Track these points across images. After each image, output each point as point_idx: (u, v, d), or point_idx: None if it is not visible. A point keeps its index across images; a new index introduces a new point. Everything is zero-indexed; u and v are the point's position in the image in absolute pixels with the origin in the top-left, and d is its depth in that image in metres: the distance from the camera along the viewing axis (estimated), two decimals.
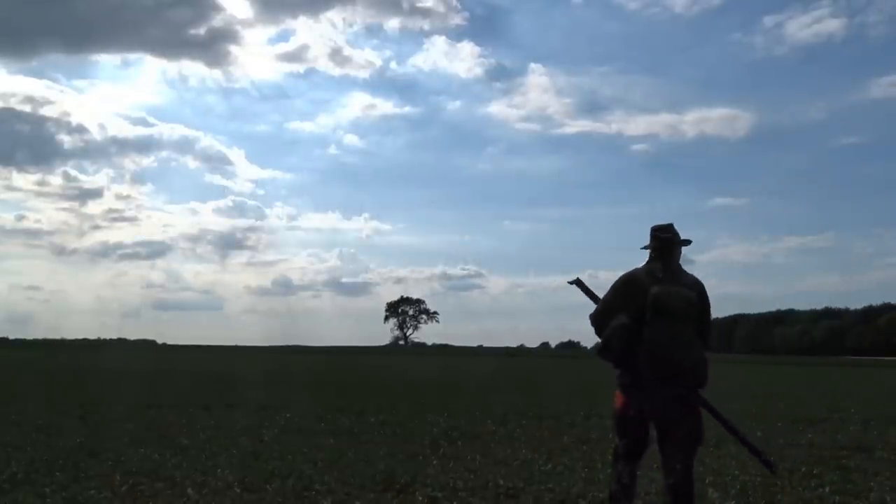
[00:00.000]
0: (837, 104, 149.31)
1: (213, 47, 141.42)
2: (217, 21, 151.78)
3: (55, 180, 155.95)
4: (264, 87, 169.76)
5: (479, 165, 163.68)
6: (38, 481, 5.68)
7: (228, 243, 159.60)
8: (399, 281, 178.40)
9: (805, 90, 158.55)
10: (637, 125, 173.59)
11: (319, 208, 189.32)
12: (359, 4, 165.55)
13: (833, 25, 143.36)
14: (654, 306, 4.03)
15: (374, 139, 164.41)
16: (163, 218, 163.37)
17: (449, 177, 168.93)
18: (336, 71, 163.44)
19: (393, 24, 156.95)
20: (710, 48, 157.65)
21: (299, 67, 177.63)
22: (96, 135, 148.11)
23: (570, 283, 4.59)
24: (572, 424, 9.84)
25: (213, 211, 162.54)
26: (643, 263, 4.27)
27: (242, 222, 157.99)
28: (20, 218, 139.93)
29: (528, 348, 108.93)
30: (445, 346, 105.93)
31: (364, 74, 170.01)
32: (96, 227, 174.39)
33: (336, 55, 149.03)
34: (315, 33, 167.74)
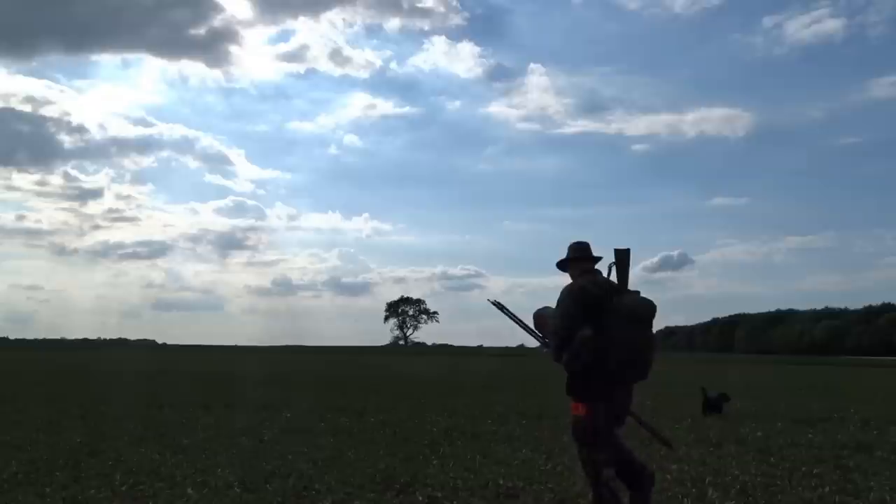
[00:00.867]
0: (837, 104, 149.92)
1: (214, 47, 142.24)
2: (217, 21, 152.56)
3: (55, 180, 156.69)
4: (264, 88, 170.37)
5: (479, 165, 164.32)
6: (38, 481, 5.69)
7: (228, 243, 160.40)
8: (399, 281, 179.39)
9: (805, 90, 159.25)
10: (637, 125, 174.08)
11: (319, 208, 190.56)
12: (359, 4, 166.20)
13: (833, 25, 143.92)
14: (629, 316, 4.20)
15: (375, 139, 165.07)
16: (163, 218, 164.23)
17: (449, 177, 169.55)
18: (336, 71, 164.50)
19: (393, 24, 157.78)
20: (709, 48, 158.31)
21: (299, 67, 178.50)
22: (96, 135, 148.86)
23: (491, 303, 4.91)
24: None
25: (214, 211, 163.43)
26: (579, 277, 4.42)
27: (242, 222, 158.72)
28: (20, 218, 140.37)
29: (528, 348, 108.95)
30: (445, 345, 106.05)
31: (364, 74, 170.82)
32: (96, 227, 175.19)
33: (336, 55, 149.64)
34: (315, 33, 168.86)
